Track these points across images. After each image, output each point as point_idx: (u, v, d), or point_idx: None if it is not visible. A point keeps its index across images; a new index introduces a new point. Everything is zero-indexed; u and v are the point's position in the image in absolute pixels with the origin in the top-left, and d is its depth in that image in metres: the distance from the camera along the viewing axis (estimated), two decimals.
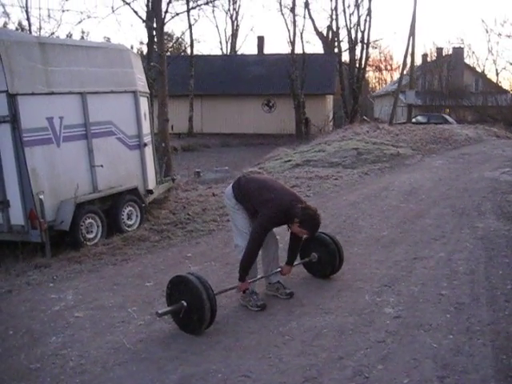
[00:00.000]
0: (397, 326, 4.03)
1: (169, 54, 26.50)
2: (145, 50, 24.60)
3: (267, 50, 37.91)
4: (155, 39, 16.58)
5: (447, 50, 43.53)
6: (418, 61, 42.62)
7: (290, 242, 4.67)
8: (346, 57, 31.48)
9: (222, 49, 43.22)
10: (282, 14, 38.87)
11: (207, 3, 23.15)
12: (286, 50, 32.23)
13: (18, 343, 4.02)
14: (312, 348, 3.73)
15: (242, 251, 4.42)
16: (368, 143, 14.78)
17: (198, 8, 26.91)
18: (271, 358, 3.62)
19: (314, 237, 5.14)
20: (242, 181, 4.59)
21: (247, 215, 4.54)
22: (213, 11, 47.69)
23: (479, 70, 42.16)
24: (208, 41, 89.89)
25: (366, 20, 28.63)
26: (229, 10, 42.05)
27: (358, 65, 29.48)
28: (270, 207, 4.24)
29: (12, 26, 31.68)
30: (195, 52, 32.43)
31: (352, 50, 29.64)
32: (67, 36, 29.29)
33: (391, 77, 56.36)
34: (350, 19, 29.79)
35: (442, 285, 4.84)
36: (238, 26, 42.25)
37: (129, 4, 15.96)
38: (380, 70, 54.57)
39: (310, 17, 31.76)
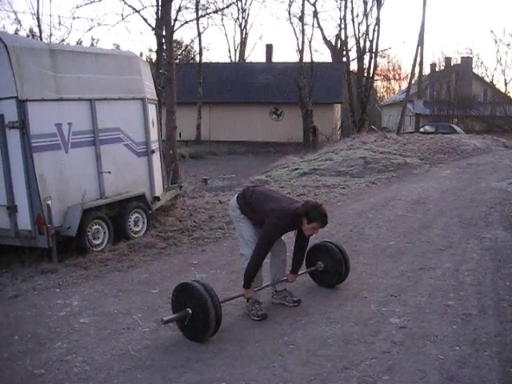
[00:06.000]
0: (403, 336, 4.01)
1: (177, 61, 26.67)
2: (154, 57, 24.85)
3: (276, 59, 37.94)
4: (164, 47, 16.69)
5: (456, 59, 43.54)
6: (427, 70, 42.63)
7: (295, 250, 4.66)
8: (354, 66, 31.56)
9: (230, 57, 43.40)
10: (291, 23, 39.17)
11: (216, 11, 23.32)
12: (295, 58, 32.42)
13: (23, 348, 4.03)
14: (317, 357, 3.71)
15: (247, 260, 4.42)
16: (375, 152, 14.76)
17: (207, 16, 27.24)
18: (276, 366, 3.60)
19: (320, 245, 5.16)
20: (247, 193, 4.61)
21: (252, 224, 4.55)
22: (222, 19, 48.07)
23: (488, 80, 42.16)
24: (217, 49, 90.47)
25: (374, 29, 28.69)
26: (238, 18, 42.20)
27: (366, 74, 29.49)
28: (275, 216, 4.24)
29: (23, 33, 32.03)
30: (204, 60, 32.67)
31: (360, 59, 29.66)
32: (77, 43, 29.57)
33: (399, 86, 56.38)
34: (358, 28, 29.87)
35: (448, 296, 4.82)
36: (246, 34, 42.40)
37: (138, 12, 16.07)
38: (388, 79, 54.62)
39: (319, 26, 31.75)
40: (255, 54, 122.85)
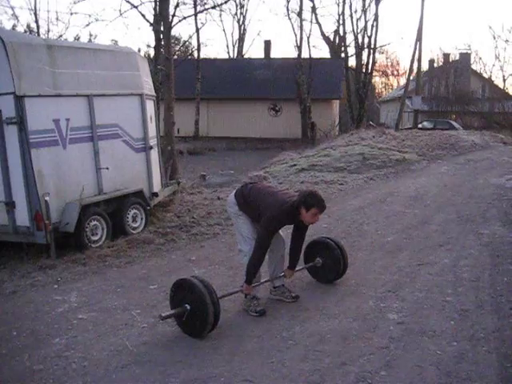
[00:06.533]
0: (400, 332, 4.02)
1: (176, 57, 26.58)
2: (152, 53, 24.75)
3: (274, 54, 37.95)
4: (162, 42, 16.64)
5: (454, 55, 43.48)
6: (425, 66, 42.61)
7: (292, 245, 4.67)
8: (352, 62, 31.54)
9: (228, 52, 43.33)
10: (289, 19, 38.81)
11: (214, 7, 23.12)
12: (293, 54, 32.37)
13: (22, 344, 4.03)
14: (315, 353, 3.72)
15: (245, 256, 4.44)
16: (374, 148, 14.75)
17: (205, 12, 27.00)
18: (274, 362, 3.61)
19: (319, 241, 5.16)
20: (245, 189, 4.62)
21: (250, 220, 4.56)
22: (220, 15, 47.85)
23: (486, 76, 42.07)
24: (215, 44, 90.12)
25: (372, 25, 28.65)
26: (236, 14, 42.35)
27: (364, 70, 29.46)
28: (272, 211, 4.25)
29: (21, 29, 31.94)
30: (202, 56, 32.52)
31: (359, 54, 29.64)
32: (75, 38, 29.51)
33: (398, 82, 56.34)
34: (356, 24, 29.86)
35: (446, 291, 4.83)
36: (245, 29, 42.32)
37: (136, 7, 15.97)
38: (386, 75, 54.49)
39: (317, 21, 31.59)
40: (253, 50, 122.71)
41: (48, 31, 30.00)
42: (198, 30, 29.58)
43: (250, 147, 26.90)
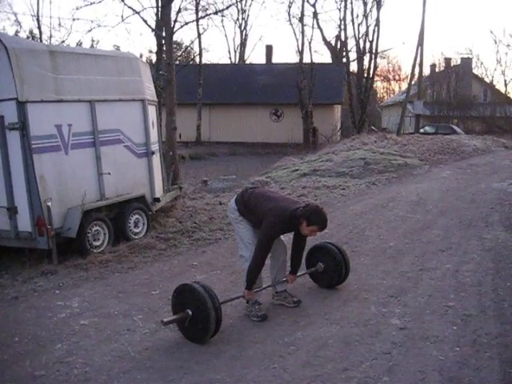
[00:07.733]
0: (403, 337, 4.01)
1: (177, 62, 26.64)
2: (154, 58, 24.83)
3: (275, 59, 37.97)
4: (164, 48, 16.69)
5: (455, 60, 43.47)
6: (427, 71, 42.57)
7: (293, 251, 4.66)
8: (354, 66, 31.51)
9: (230, 58, 43.41)
10: (291, 24, 38.75)
11: (216, 13, 23.19)
12: (295, 59, 32.44)
13: (24, 350, 4.03)
14: (317, 359, 3.71)
15: (246, 262, 4.43)
16: (375, 153, 14.75)
17: (206, 17, 27.20)
18: (276, 368, 3.60)
19: (320, 246, 5.16)
20: (245, 194, 4.62)
21: (251, 226, 4.55)
22: (222, 21, 47.95)
23: (487, 80, 42.10)
24: (217, 50, 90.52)
25: (374, 30, 28.66)
26: (238, 19, 42.23)
27: (366, 75, 29.47)
28: (272, 216, 4.24)
29: (23, 35, 31.97)
30: (204, 61, 32.65)
31: (360, 59, 29.65)
32: (77, 44, 29.56)
33: (399, 87, 56.32)
34: (358, 29, 29.84)
35: (448, 296, 4.81)
36: (246, 35, 42.44)
37: (138, 13, 15.96)
38: (388, 80, 54.60)
39: (319, 27, 31.75)
40: (255, 55, 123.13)
41: (50, 37, 30.03)
42: (199, 36, 29.72)
43: (252, 152, 26.92)
